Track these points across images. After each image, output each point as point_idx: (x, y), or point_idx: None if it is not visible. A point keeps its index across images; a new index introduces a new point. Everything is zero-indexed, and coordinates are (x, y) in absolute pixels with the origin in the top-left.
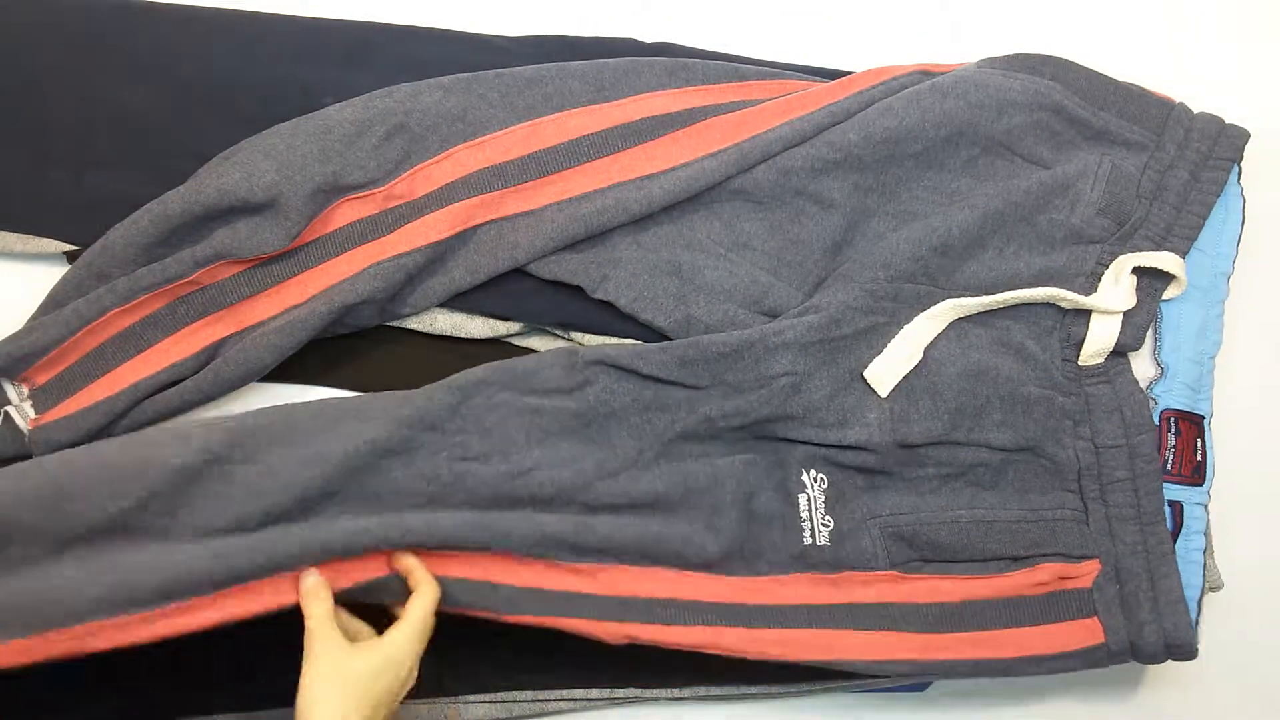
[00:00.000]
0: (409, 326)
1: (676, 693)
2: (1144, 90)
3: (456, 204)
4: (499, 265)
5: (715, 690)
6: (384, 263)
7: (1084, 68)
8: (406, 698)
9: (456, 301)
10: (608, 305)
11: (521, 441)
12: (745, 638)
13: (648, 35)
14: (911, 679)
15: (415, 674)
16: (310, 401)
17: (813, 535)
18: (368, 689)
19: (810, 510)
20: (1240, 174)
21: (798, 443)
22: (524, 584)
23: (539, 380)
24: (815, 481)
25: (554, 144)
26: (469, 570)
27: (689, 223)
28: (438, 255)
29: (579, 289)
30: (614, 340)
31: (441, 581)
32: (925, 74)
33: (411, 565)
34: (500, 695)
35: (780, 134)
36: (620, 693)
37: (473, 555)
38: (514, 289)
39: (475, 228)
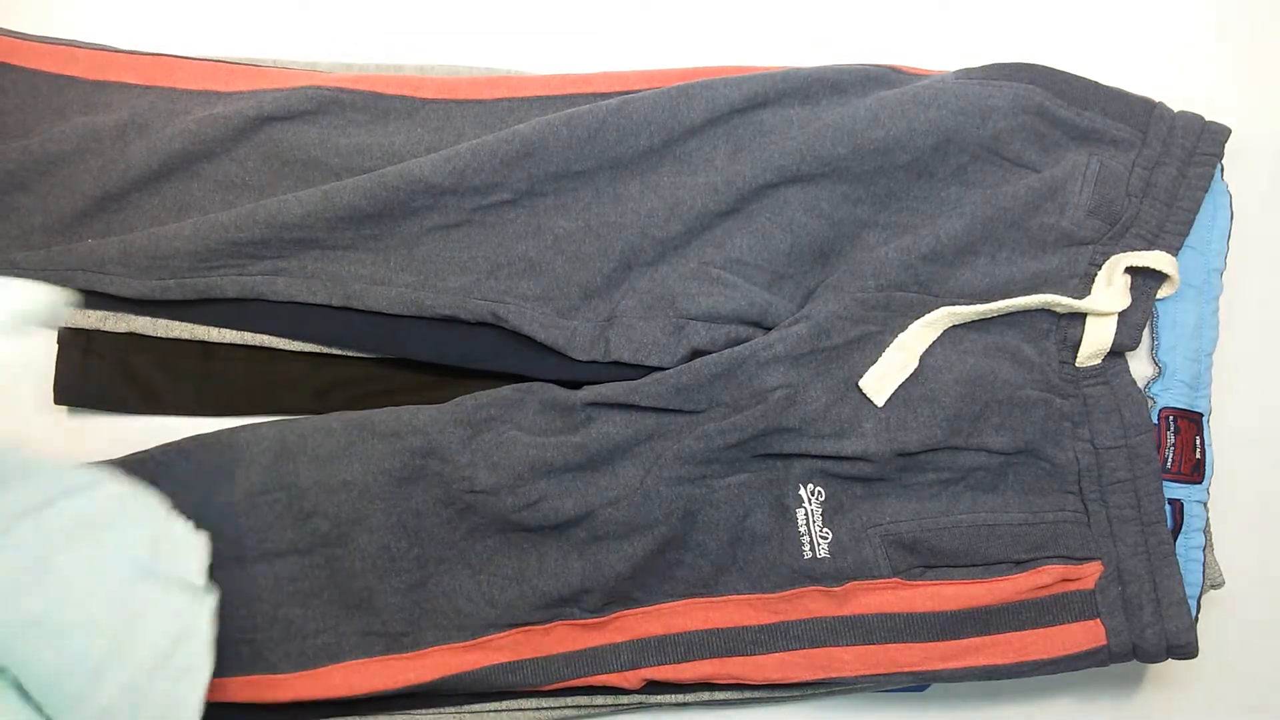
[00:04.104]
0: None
1: (680, 697)
2: (1123, 90)
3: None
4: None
5: (719, 695)
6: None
7: (1061, 71)
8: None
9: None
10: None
11: (527, 475)
12: (749, 665)
13: (647, 39)
14: None
15: None
16: (319, 418)
17: (812, 549)
18: None
19: (809, 524)
20: (1223, 171)
21: (795, 458)
22: (551, 652)
23: (543, 423)
24: (812, 495)
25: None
26: (501, 656)
27: (681, 256)
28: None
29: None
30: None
31: (482, 671)
32: (896, 71)
33: None
34: (505, 705)
35: (730, 80)
36: (624, 699)
37: (498, 642)
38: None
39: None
